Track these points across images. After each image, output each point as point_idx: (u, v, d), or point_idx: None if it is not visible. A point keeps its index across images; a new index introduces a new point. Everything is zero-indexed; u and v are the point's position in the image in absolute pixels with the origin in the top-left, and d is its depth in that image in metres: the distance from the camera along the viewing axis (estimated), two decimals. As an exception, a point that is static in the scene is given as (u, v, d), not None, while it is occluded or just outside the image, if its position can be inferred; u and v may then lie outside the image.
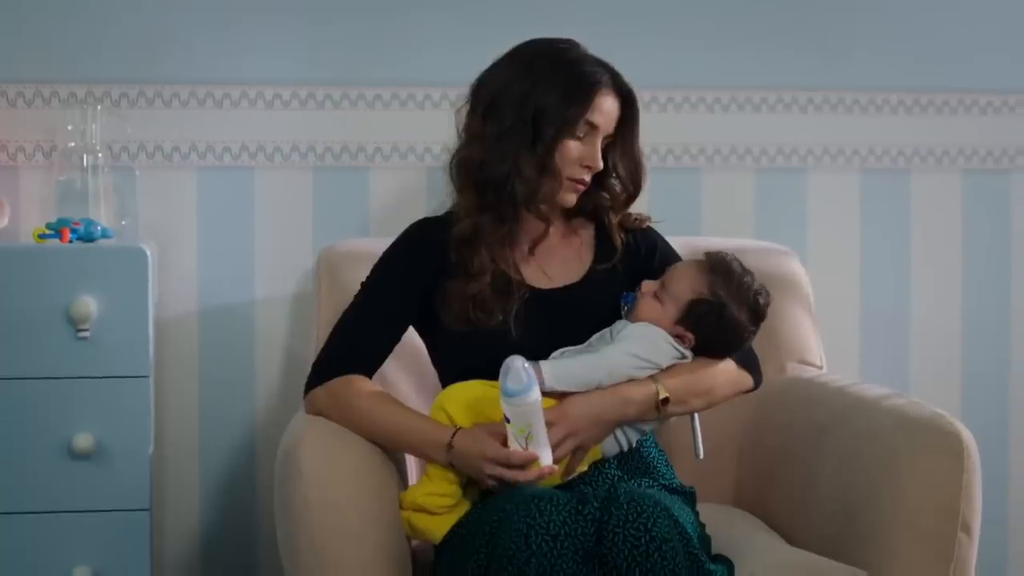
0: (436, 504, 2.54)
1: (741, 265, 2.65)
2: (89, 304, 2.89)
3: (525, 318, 2.64)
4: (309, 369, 2.71)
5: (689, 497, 2.66)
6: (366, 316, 2.69)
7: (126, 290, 2.93)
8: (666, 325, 2.62)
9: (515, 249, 2.71)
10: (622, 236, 2.76)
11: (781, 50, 3.54)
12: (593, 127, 2.64)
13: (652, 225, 2.82)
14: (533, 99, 2.62)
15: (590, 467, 2.60)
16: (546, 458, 2.47)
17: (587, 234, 2.79)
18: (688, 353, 2.63)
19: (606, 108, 2.66)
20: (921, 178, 3.60)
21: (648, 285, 2.66)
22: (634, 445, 2.64)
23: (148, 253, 2.96)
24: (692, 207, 3.52)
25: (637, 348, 2.59)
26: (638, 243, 2.79)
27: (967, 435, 2.63)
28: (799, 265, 3.27)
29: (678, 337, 2.62)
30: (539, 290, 2.70)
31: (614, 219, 2.76)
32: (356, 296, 2.73)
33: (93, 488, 2.92)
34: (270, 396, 3.39)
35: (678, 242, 2.87)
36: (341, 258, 3.11)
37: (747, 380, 2.70)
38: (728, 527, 2.77)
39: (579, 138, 2.64)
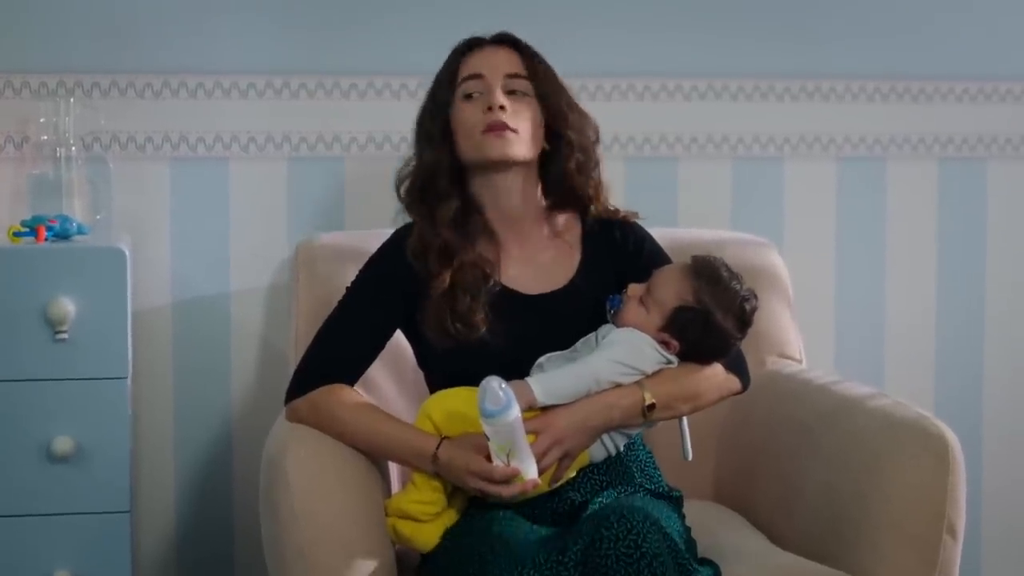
0: (422, 511, 2.53)
1: (728, 269, 2.61)
2: (67, 305, 2.84)
3: (511, 326, 2.61)
4: (291, 375, 2.67)
5: (676, 501, 2.65)
6: (349, 325, 2.66)
7: (104, 291, 2.88)
8: (651, 331, 2.58)
9: (492, 252, 2.68)
10: (612, 207, 2.75)
11: (757, 38, 3.52)
12: (478, 77, 2.66)
13: (640, 222, 2.78)
14: (434, 97, 2.71)
15: (578, 473, 2.59)
16: (530, 472, 2.44)
17: (573, 235, 2.75)
18: (674, 359, 2.60)
19: (481, 58, 2.69)
20: (897, 166, 3.61)
21: (634, 289, 2.62)
22: (621, 449, 2.62)
23: (127, 253, 2.91)
24: (668, 196, 3.51)
25: (621, 355, 2.56)
26: (625, 238, 2.75)
27: (951, 437, 2.64)
28: (778, 257, 3.26)
29: (663, 343, 2.59)
30: (526, 296, 2.66)
31: (588, 191, 2.73)
32: (340, 302, 2.69)
33: (73, 491, 2.88)
34: (246, 389, 3.36)
35: (655, 234, 2.83)
36: (319, 252, 3.08)
37: (735, 383, 2.67)
38: (712, 527, 2.78)
39: (471, 96, 2.66)
